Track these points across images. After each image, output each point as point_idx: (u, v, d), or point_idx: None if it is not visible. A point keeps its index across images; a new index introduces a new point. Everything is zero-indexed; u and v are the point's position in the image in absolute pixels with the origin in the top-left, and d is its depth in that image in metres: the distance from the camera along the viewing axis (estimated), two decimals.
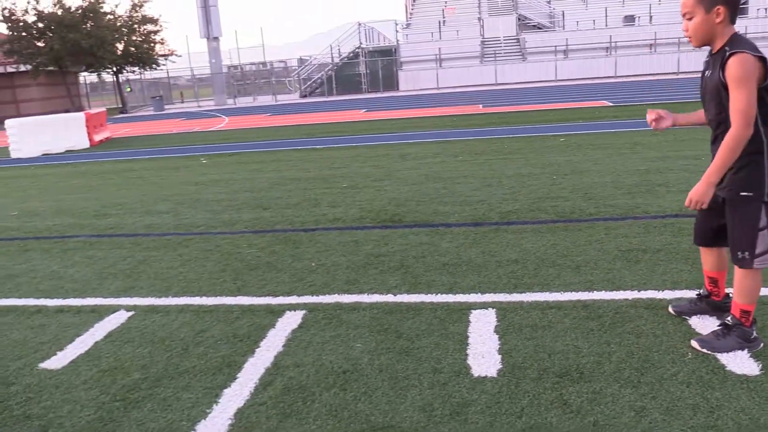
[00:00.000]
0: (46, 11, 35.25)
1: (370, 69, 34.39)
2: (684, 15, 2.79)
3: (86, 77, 47.09)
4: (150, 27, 41.21)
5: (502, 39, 34.54)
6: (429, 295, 3.92)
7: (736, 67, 2.61)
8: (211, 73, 35.63)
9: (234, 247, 5.42)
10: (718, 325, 3.03)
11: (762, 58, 2.62)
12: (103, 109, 19.78)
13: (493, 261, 4.51)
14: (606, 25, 34.62)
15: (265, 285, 4.34)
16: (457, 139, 12.06)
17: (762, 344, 2.93)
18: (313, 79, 36.19)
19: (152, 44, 41.38)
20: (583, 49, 33.03)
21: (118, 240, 6.00)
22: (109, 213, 7.35)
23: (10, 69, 38.76)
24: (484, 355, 3.04)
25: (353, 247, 5.15)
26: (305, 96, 35.63)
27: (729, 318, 2.96)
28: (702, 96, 2.93)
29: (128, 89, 39.98)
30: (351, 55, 35.13)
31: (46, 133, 16.31)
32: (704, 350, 2.92)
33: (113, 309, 4.08)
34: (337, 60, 35.45)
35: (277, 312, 3.81)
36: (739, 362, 2.80)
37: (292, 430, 2.52)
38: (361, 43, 34.68)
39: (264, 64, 47.93)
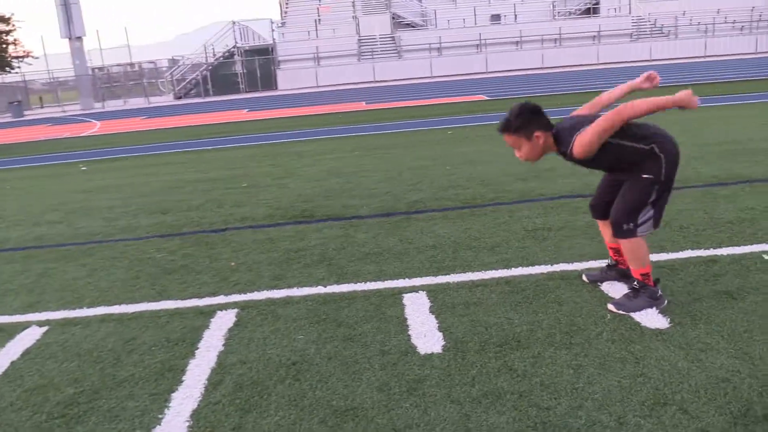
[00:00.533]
0: None
1: (247, 68, 33.75)
2: (513, 147, 3.23)
3: None
4: (1, 26, 37.94)
5: (378, 37, 35.16)
6: (359, 283, 4.01)
7: (581, 150, 3.06)
8: (75, 75, 33.38)
9: (141, 252, 5.20)
10: (628, 289, 3.37)
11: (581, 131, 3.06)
12: None
13: (412, 248, 4.68)
14: (475, 24, 36.24)
15: (187, 287, 4.22)
16: (348, 136, 12.21)
17: (666, 301, 3.30)
18: (187, 80, 34.92)
19: (5, 45, 38.11)
20: (456, 47, 34.39)
21: (6, 255, 5.55)
22: None
23: None
24: (425, 334, 3.19)
25: (269, 244, 5.12)
26: (180, 97, 34.30)
27: (635, 282, 3.29)
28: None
29: None
30: (226, 54, 34.26)
31: None
32: (620, 311, 3.23)
33: (23, 326, 3.81)
34: (212, 60, 34.43)
35: (208, 313, 3.73)
36: (651, 319, 3.14)
37: (255, 424, 2.52)
38: (236, 43, 33.93)
39: (132, 65, 45.59)
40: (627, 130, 3.05)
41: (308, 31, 34.88)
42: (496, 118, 13.03)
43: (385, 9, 38.01)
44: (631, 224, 3.14)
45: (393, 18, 37.30)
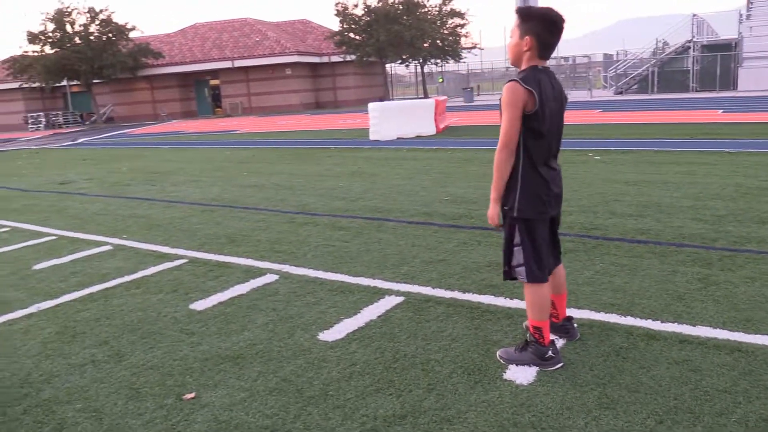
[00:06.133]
0: (372, 5, 38.00)
1: (702, 66, 30.52)
2: (511, 33, 2.92)
3: (392, 68, 50.15)
4: (457, 20, 42.23)
5: None
6: None
7: (505, 93, 2.81)
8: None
9: None
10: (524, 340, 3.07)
11: (530, 90, 2.75)
12: (445, 97, 20.08)
13: None
14: None
15: None
16: None
17: (560, 365, 2.97)
18: (630, 75, 33.42)
19: (458, 37, 42.35)
20: None
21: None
22: (647, 215, 6.15)
23: (334, 59, 42.79)
24: None
25: None
26: (621, 93, 33.06)
27: (528, 335, 3.04)
28: None
29: (440, 80, 41.40)
30: (679, 49, 31.58)
31: (401, 118, 16.89)
32: (501, 360, 3.06)
33: None
34: (662, 55, 32.18)
35: None
36: None
37: None
38: (693, 37, 30.96)
39: (566, 59, 46.21)
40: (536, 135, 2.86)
41: None
42: None
43: None
44: (506, 266, 3.01)
45: None
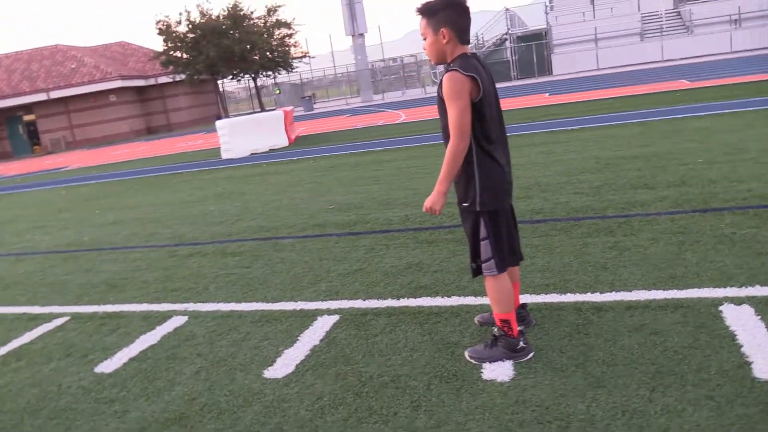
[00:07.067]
0: (196, 21, 36.59)
1: (519, 55, 32.99)
2: (422, 36, 2.88)
3: (223, 84, 48.71)
4: (284, 31, 41.99)
5: (663, 13, 32.09)
6: None
7: (446, 83, 2.72)
8: (356, 69, 35.55)
9: (712, 229, 4.48)
10: (492, 336, 3.03)
11: (473, 77, 2.69)
12: (291, 107, 19.76)
13: None
14: None
15: None
16: (725, 112, 10.63)
17: (532, 354, 2.96)
18: None
19: (288, 47, 42.11)
20: (761, 17, 29.97)
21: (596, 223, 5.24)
22: None
23: (161, 80, 40.65)
24: None
25: None
26: None
27: (496, 329, 3.00)
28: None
29: (278, 91, 40.81)
30: (498, 42, 33.87)
31: (251, 133, 16.35)
32: (473, 360, 2.98)
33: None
34: (483, 49, 34.33)
35: None
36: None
37: None
38: (508, 29, 33.37)
39: (394, 59, 47.81)
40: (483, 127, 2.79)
41: (583, 12, 33.07)
42: None
43: None
44: (474, 263, 2.95)
45: None
